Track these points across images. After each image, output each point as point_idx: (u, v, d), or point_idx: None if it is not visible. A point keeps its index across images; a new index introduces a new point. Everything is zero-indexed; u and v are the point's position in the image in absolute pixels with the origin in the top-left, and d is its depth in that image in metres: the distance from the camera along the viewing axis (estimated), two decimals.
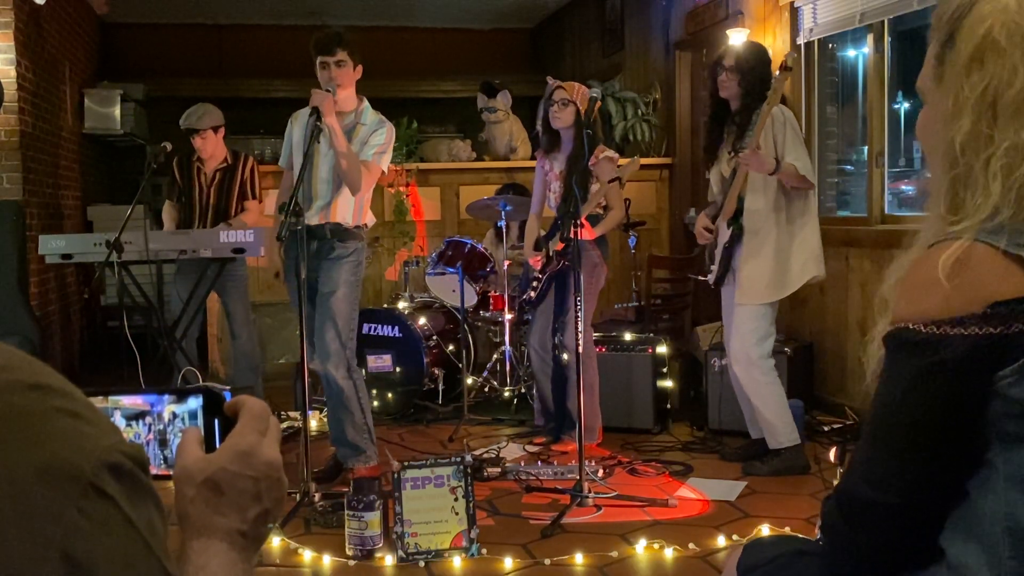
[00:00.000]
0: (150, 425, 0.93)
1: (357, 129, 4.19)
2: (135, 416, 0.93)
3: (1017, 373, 1.14)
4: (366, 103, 4.27)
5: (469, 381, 5.66)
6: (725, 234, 4.30)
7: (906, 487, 1.21)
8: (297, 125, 4.33)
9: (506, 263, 5.52)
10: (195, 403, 0.93)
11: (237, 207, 5.50)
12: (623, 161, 4.80)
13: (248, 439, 0.88)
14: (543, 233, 4.93)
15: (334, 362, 4.13)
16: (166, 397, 0.93)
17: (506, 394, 5.74)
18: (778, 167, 4.07)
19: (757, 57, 4.32)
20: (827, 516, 1.29)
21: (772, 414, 4.27)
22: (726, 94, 4.29)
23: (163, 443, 0.93)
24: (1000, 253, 1.14)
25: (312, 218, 4.13)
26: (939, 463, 1.20)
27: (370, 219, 4.32)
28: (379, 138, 4.17)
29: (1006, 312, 1.13)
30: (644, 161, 6.74)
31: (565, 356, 4.83)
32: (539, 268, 4.86)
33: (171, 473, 0.89)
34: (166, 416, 0.93)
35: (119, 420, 0.92)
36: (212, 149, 5.47)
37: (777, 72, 4.13)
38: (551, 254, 4.79)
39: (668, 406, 5.20)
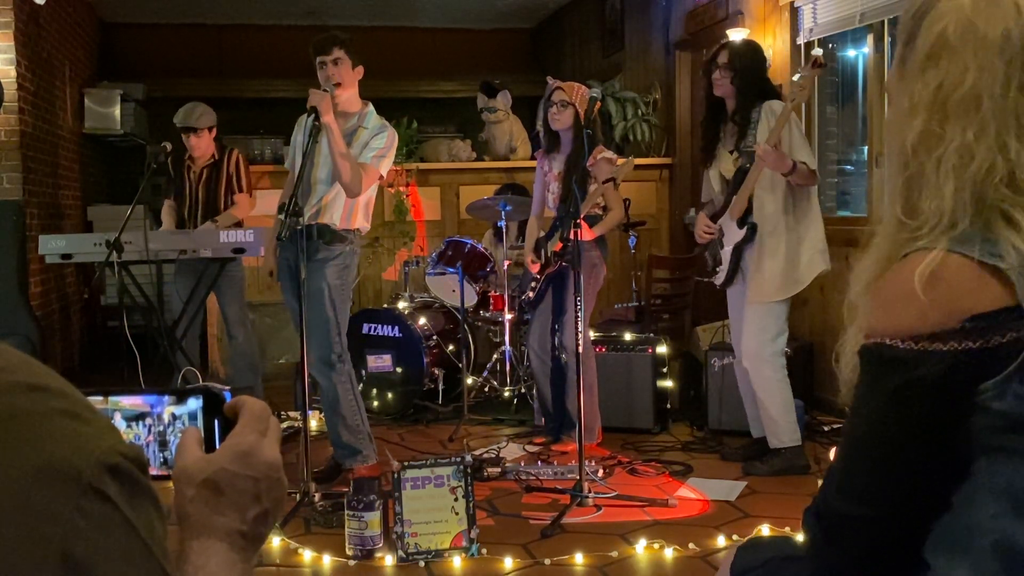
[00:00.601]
0: (150, 426, 0.93)
1: (359, 132, 4.17)
2: (135, 417, 0.93)
3: (1000, 386, 1.11)
4: (370, 107, 4.26)
5: (469, 381, 5.65)
6: (735, 234, 4.26)
7: (885, 501, 1.20)
8: (301, 129, 4.32)
9: (506, 263, 5.52)
10: (195, 404, 0.93)
11: (225, 201, 5.49)
12: (620, 161, 4.80)
13: (248, 439, 0.88)
14: (543, 234, 4.93)
15: (318, 366, 4.13)
16: (166, 398, 0.93)
17: (506, 394, 5.74)
18: (795, 168, 4.04)
19: (751, 54, 4.31)
20: (808, 529, 1.28)
21: (778, 412, 4.26)
22: (721, 92, 4.27)
23: (163, 444, 0.93)
24: (975, 264, 1.12)
25: (304, 219, 4.12)
26: (918, 477, 1.18)
27: (363, 224, 4.26)
28: (380, 142, 4.15)
29: (985, 326, 1.11)
30: (644, 161, 6.74)
31: (564, 356, 4.83)
32: (537, 270, 4.86)
33: (170, 473, 0.89)
34: (166, 417, 0.93)
35: (119, 421, 0.92)
36: (205, 148, 5.48)
37: (802, 70, 4.10)
38: (550, 255, 4.78)
39: (668, 406, 5.20)
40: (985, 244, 1.13)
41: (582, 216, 4.36)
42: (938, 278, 1.12)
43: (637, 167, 4.97)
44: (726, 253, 4.33)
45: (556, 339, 4.92)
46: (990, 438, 1.13)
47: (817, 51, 4.55)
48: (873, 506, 1.20)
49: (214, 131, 5.53)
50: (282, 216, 3.87)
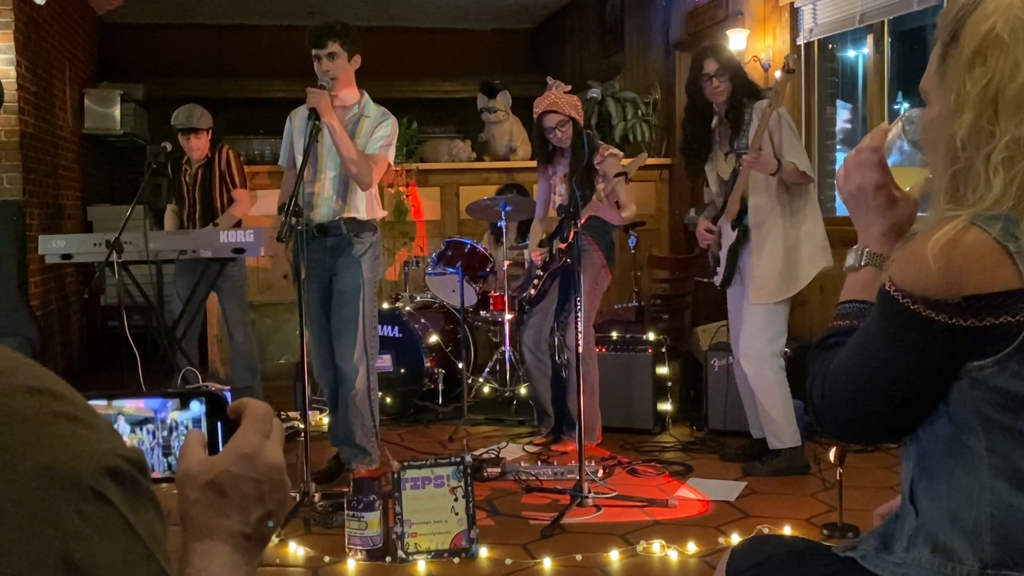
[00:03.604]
0: (154, 432, 0.93)
1: (361, 122, 4.16)
2: (139, 422, 0.93)
3: (1000, 363, 1.16)
4: (367, 96, 4.24)
5: (469, 381, 5.65)
6: (730, 235, 4.29)
7: (871, 391, 1.28)
8: (296, 123, 4.27)
9: (506, 263, 5.52)
10: (198, 408, 0.92)
11: (222, 199, 5.49)
12: (626, 161, 4.79)
13: (251, 441, 0.88)
14: (546, 236, 4.92)
15: (355, 362, 4.08)
16: (170, 403, 0.93)
17: (506, 394, 5.74)
18: (780, 167, 4.08)
19: (735, 56, 4.46)
20: (815, 376, 1.36)
21: (778, 413, 4.26)
22: (721, 98, 4.29)
23: (167, 450, 0.93)
24: (991, 240, 1.15)
25: (323, 216, 4.10)
26: (904, 389, 1.26)
27: (381, 212, 4.30)
28: (384, 130, 4.14)
29: (980, 306, 1.15)
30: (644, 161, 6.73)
31: (566, 356, 4.82)
32: (540, 265, 4.85)
33: (174, 476, 0.89)
34: (170, 423, 0.93)
35: (123, 426, 0.91)
36: (203, 148, 5.49)
37: (777, 75, 4.14)
38: (555, 252, 4.78)
39: (668, 406, 5.20)
40: (1008, 224, 1.16)
41: (583, 218, 4.36)
42: (952, 248, 1.16)
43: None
44: (723, 254, 4.34)
45: (556, 338, 4.91)
46: (989, 412, 1.19)
47: (791, 55, 4.59)
48: (861, 385, 1.28)
49: (210, 132, 5.54)
50: (283, 217, 3.84)
